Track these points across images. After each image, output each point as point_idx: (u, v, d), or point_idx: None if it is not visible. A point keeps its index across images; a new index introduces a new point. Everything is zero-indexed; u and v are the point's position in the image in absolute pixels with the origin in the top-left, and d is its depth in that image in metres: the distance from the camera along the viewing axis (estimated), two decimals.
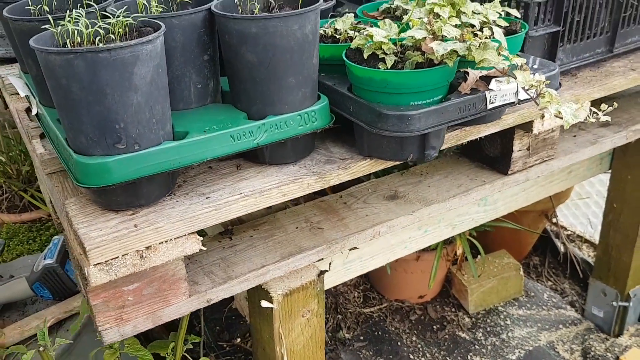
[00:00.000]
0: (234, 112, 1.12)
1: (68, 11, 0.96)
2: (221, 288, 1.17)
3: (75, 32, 0.91)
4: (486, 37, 1.03)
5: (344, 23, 1.29)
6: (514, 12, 1.25)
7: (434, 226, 1.63)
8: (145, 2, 1.09)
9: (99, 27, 0.94)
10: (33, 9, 1.13)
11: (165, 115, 0.99)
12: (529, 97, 1.11)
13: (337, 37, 1.28)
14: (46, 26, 0.94)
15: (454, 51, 1.02)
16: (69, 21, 0.93)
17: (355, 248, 1.36)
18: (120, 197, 1.00)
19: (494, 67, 1.05)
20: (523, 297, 2.54)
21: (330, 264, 1.40)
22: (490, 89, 1.10)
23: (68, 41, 0.96)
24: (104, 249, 0.94)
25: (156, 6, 1.09)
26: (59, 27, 0.93)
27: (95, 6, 1.05)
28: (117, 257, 0.96)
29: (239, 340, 2.26)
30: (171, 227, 1.00)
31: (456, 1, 1.20)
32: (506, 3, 1.41)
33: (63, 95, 0.91)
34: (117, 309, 1.06)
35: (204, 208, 1.03)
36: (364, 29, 1.26)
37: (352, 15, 1.35)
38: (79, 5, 1.12)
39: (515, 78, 1.03)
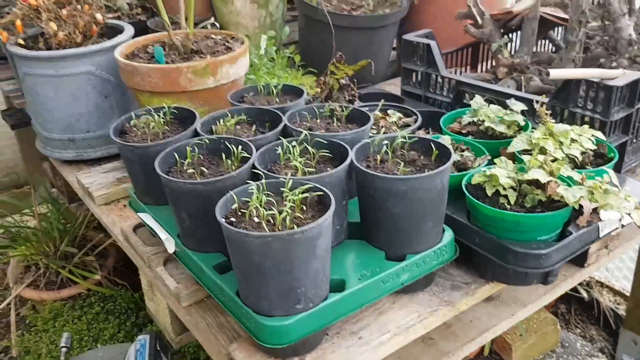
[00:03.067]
0: (372, 251, 1.21)
1: (257, 191, 1.05)
2: None
3: (264, 213, 1.00)
4: (606, 183, 1.16)
5: None
6: (600, 134, 1.39)
7: None
8: (290, 156, 1.18)
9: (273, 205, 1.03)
10: (185, 167, 1.21)
11: (329, 269, 1.09)
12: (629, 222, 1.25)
13: None
14: (238, 202, 1.02)
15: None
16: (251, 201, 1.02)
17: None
18: (289, 348, 1.08)
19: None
20: (559, 349, 2.69)
21: None
22: (601, 220, 1.22)
23: (246, 213, 1.05)
24: None
25: (300, 162, 1.18)
26: (248, 207, 1.02)
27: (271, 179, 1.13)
28: None
29: None
30: None
31: (554, 132, 1.33)
32: (579, 117, 1.55)
33: (253, 268, 1.00)
34: None
35: (362, 351, 1.12)
36: (481, 165, 1.37)
37: (449, 138, 1.46)
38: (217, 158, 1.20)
39: (630, 215, 1.16)
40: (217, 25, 2.54)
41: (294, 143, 1.24)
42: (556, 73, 1.41)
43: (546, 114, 1.37)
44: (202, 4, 2.68)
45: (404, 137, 1.23)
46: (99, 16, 1.83)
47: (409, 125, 1.58)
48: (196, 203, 1.16)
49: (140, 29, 2.44)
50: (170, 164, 1.26)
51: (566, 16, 2.00)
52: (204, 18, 2.62)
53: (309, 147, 1.23)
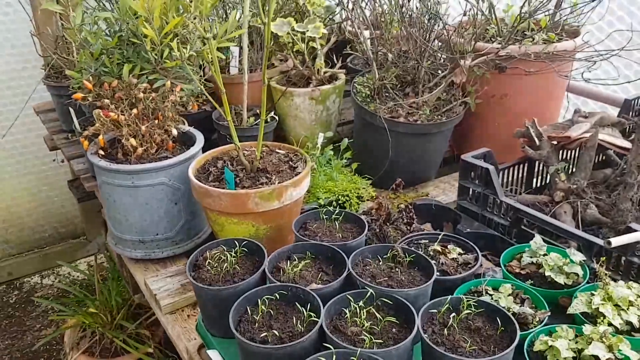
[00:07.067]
0: None
1: None
2: None
3: None
4: None
5: (506, 300, 1.44)
6: None
7: None
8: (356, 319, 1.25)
9: None
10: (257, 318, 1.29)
11: None
12: None
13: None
14: None
15: None
16: None
17: None
18: None
19: None
20: None
21: None
22: None
23: None
24: None
25: (366, 327, 1.25)
26: None
27: None
28: None
29: None
30: None
31: (613, 297, 1.36)
32: None
33: None
34: None
35: None
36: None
37: (510, 286, 1.50)
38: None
39: None
40: (277, 118, 2.65)
41: (360, 303, 1.30)
42: (616, 240, 1.44)
43: (606, 274, 1.40)
44: (260, 92, 2.79)
45: (470, 307, 1.28)
46: (174, 132, 1.95)
47: (469, 263, 1.62)
48: None
49: (205, 118, 2.58)
50: (241, 312, 1.34)
51: (623, 143, 2.03)
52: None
53: (376, 312, 1.30)
